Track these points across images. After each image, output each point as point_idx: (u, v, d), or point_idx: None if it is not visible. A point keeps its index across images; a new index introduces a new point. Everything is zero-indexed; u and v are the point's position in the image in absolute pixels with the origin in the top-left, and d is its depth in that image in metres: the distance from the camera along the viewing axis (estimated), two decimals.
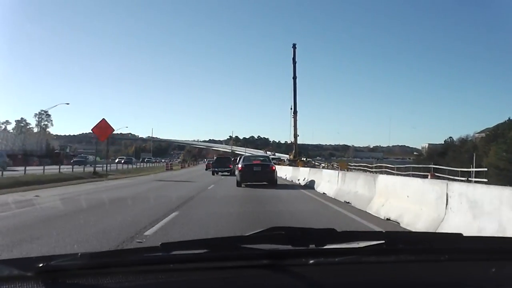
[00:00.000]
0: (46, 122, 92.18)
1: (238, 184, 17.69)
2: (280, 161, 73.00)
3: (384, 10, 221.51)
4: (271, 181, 17.81)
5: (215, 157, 39.07)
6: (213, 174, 30.57)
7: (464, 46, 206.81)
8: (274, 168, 18.81)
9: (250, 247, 1.39)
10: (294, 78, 53.92)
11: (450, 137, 69.71)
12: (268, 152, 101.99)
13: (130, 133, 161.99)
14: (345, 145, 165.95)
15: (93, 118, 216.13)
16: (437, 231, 5.65)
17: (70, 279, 1.25)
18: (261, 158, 20.79)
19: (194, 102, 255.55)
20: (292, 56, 52.94)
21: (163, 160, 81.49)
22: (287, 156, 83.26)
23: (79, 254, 1.33)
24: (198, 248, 1.43)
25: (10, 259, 1.42)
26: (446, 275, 1.37)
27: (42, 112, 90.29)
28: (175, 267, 1.31)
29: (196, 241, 1.48)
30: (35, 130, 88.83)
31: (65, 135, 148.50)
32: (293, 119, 54.57)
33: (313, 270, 1.31)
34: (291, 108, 54.67)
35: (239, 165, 18.52)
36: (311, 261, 1.33)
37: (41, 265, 1.25)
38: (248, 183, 17.47)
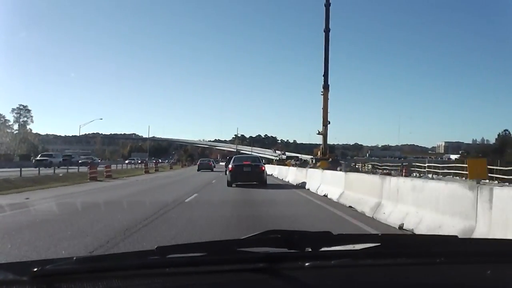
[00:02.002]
0: (25, 118, 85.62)
1: (229, 184, 19.16)
2: (301, 162, 59.69)
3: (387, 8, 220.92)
4: (261, 180, 19.52)
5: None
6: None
7: (463, 47, 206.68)
8: (263, 168, 20.73)
9: (246, 251, 1.47)
10: (326, 31, 39.38)
11: (506, 130, 65.66)
12: (277, 152, 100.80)
13: (134, 133, 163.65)
14: (357, 143, 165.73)
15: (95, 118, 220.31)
16: None
17: (65, 283, 1.31)
18: (251, 159, 22.43)
19: (199, 102, 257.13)
20: None
21: (138, 161, 64.67)
22: (306, 156, 73.40)
23: (75, 258, 1.42)
24: (194, 251, 1.51)
25: (5, 263, 1.49)
26: (441, 278, 1.44)
27: (21, 106, 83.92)
28: (171, 271, 1.38)
29: (192, 244, 1.56)
30: (15, 127, 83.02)
31: (65, 136, 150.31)
32: (322, 97, 40.30)
33: (309, 273, 1.38)
34: (323, 75, 39.11)
35: (230, 166, 20.16)
36: (307, 264, 1.40)
37: (36, 269, 1.31)
38: (239, 183, 18.98)
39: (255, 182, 19.16)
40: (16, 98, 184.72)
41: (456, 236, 1.64)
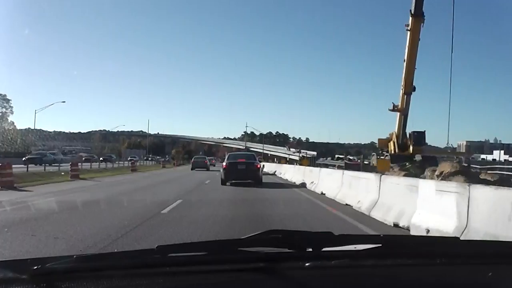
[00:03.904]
0: (4, 109, 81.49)
1: (223, 182, 19.70)
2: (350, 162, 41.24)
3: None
4: (256, 179, 19.98)
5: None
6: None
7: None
8: (259, 166, 21.09)
9: (247, 250, 1.57)
10: None
11: None
12: (291, 149, 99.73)
13: (141, 131, 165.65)
14: (373, 142, 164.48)
15: (105, 115, 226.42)
16: None
17: (64, 282, 1.41)
18: (246, 156, 22.79)
19: (209, 99, 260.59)
20: None
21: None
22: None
23: (74, 256, 1.52)
24: (195, 251, 1.62)
25: (4, 261, 1.59)
26: (442, 279, 1.53)
27: None
28: (171, 270, 1.48)
29: (193, 244, 1.66)
30: None
31: (69, 132, 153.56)
32: (408, 35, 27.64)
33: (310, 274, 1.48)
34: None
35: (224, 163, 20.87)
36: (307, 265, 1.50)
37: (35, 267, 1.41)
38: (233, 181, 19.58)
39: (250, 181, 19.54)
40: (18, 95, 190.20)
41: (457, 238, 1.73)
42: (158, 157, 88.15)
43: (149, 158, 77.40)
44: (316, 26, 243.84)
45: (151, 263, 1.53)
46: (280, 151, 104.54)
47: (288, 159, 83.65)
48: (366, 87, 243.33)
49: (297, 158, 79.25)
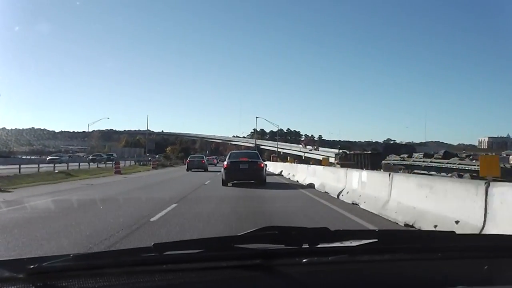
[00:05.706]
0: None
1: (224, 183, 19.65)
2: None
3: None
4: (259, 179, 19.90)
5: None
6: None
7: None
8: (262, 165, 20.82)
9: (244, 247, 1.67)
10: None
11: None
12: (308, 147, 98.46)
13: (148, 129, 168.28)
14: (389, 139, 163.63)
15: (110, 113, 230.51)
16: None
17: (61, 281, 1.51)
18: (249, 155, 22.62)
19: (217, 98, 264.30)
20: None
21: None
22: None
23: (71, 255, 1.62)
24: (191, 248, 1.72)
25: (0, 260, 1.70)
26: (439, 273, 1.63)
27: None
28: (168, 268, 1.58)
29: (189, 241, 1.75)
30: None
31: (73, 131, 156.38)
32: None
33: (306, 270, 1.58)
34: None
35: (225, 163, 20.80)
36: (304, 261, 1.60)
37: (32, 266, 1.51)
38: (235, 181, 19.57)
39: (252, 181, 19.52)
40: (20, 93, 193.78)
41: (453, 232, 1.81)
42: (156, 156, 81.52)
43: (106, 157, 63.55)
44: (326, 25, 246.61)
45: (148, 261, 1.62)
46: (295, 149, 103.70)
47: (303, 157, 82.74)
48: (375, 86, 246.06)
49: (314, 156, 77.65)
